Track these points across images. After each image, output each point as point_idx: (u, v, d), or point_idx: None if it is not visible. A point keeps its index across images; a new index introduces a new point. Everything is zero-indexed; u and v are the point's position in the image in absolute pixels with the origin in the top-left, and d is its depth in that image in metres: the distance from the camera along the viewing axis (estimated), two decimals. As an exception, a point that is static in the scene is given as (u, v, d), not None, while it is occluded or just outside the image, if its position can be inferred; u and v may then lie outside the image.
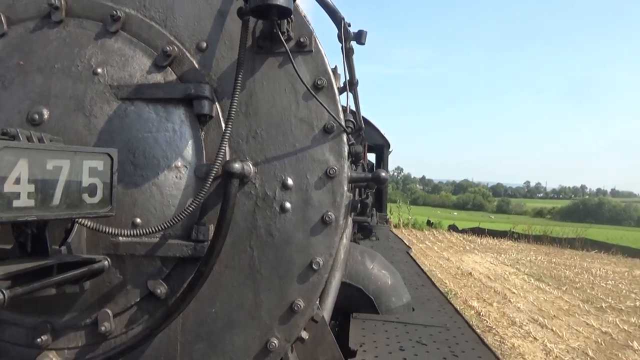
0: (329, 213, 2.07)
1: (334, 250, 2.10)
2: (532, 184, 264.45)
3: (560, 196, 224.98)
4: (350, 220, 4.15)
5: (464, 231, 39.12)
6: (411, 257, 6.78)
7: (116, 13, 2.08)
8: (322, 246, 2.08)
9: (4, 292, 1.29)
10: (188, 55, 2.10)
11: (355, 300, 3.40)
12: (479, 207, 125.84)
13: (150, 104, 2.05)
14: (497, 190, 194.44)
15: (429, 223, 42.96)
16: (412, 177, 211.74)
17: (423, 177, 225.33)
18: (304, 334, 2.29)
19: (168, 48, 2.05)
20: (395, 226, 33.81)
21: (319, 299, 2.47)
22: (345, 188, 2.11)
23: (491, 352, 2.65)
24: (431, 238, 32.31)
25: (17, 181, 1.38)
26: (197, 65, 2.09)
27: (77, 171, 1.56)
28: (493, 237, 36.24)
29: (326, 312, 2.49)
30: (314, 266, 2.07)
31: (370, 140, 11.36)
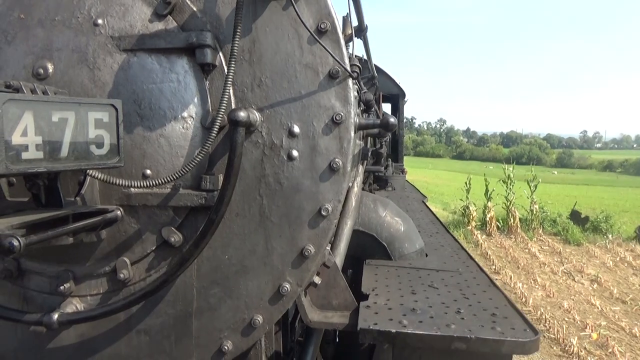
0: (336, 160, 2.07)
1: (342, 197, 2.11)
2: (590, 134, 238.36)
3: (622, 146, 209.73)
4: (361, 168, 4.14)
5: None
6: (426, 205, 6.80)
7: None
8: (330, 193, 2.09)
9: (20, 239, 1.34)
10: (188, 2, 2.05)
11: (369, 248, 3.45)
12: (536, 160, 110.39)
13: (153, 54, 2.02)
14: (551, 141, 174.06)
15: (575, 217, 18.32)
16: (456, 129, 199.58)
17: (467, 129, 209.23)
18: (317, 279, 2.35)
19: None
20: (499, 228, 17.23)
21: (330, 246, 2.51)
22: (352, 134, 2.09)
23: (502, 293, 2.68)
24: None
25: (24, 133, 1.40)
26: (197, 13, 2.05)
27: (83, 123, 1.57)
28: None
29: (338, 258, 2.54)
30: (322, 212, 2.09)
31: (384, 89, 11.12)
